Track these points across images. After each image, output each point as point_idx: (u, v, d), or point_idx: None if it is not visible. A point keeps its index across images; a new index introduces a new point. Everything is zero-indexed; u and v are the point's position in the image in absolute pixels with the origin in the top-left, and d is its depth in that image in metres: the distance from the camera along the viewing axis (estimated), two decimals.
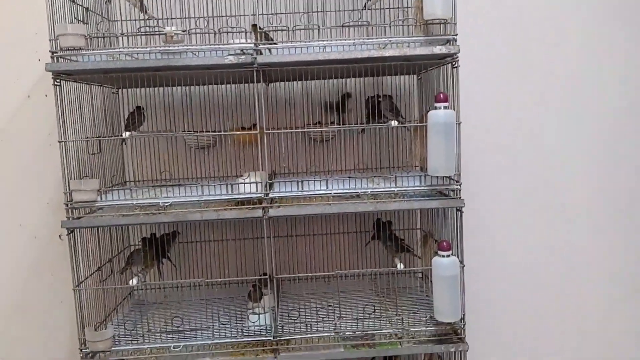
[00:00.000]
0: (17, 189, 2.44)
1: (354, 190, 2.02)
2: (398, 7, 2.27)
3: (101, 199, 1.98)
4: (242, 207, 1.96)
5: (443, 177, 1.97)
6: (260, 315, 2.04)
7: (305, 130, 2.33)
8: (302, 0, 2.26)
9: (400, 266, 2.08)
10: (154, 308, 2.34)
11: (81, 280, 1.98)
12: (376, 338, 2.01)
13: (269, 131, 2.01)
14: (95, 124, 2.17)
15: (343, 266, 2.48)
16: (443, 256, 1.92)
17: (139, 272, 2.10)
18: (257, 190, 1.97)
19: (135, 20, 2.24)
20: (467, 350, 1.97)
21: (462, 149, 1.93)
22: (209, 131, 2.30)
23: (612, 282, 2.63)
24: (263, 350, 1.97)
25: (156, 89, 2.34)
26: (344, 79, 2.41)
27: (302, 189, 2.03)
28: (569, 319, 2.64)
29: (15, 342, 2.47)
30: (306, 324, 2.04)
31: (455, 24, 1.92)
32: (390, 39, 1.95)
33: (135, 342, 2.00)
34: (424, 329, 2.03)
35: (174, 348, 1.97)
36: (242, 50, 1.93)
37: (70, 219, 1.94)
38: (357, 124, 2.40)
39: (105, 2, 2.26)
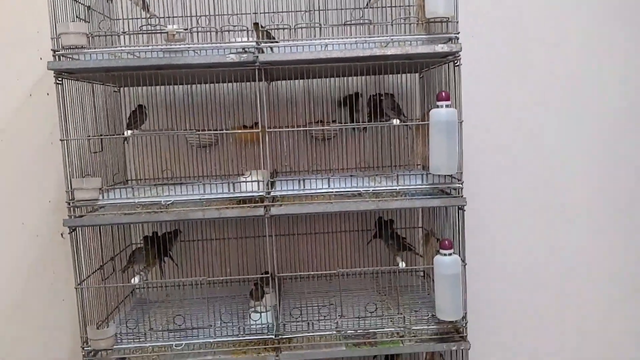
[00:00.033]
0: (18, 187, 2.44)
1: (355, 189, 2.02)
2: (400, 6, 2.28)
3: (103, 197, 1.98)
4: (244, 205, 1.96)
5: (445, 175, 1.97)
6: (262, 314, 2.04)
7: (307, 128, 2.33)
8: None
9: (402, 265, 2.08)
10: (155, 306, 2.34)
11: (83, 279, 1.99)
12: (378, 336, 2.01)
13: (271, 130, 2.01)
14: (97, 122, 2.17)
15: (344, 265, 2.48)
16: (445, 255, 1.92)
17: (141, 270, 2.10)
18: (258, 188, 1.97)
19: (137, 18, 2.24)
20: (469, 349, 1.98)
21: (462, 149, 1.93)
22: (210, 130, 2.30)
23: (612, 282, 2.63)
24: (265, 348, 1.97)
25: (158, 87, 2.35)
26: (345, 77, 2.40)
27: (304, 187, 2.03)
28: (569, 319, 2.64)
29: (17, 341, 2.48)
30: (308, 323, 2.04)
31: (457, 22, 1.92)
32: (392, 38, 1.95)
33: (137, 340, 2.00)
34: (426, 327, 2.03)
35: (175, 346, 1.97)
36: (244, 48, 1.93)
37: (72, 217, 1.94)
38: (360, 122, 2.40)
39: (107, 1, 2.26)
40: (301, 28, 2.05)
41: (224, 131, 2.24)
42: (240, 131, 2.25)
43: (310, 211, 1.95)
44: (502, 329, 2.62)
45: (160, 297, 2.44)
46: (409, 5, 2.26)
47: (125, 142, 2.38)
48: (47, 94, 2.39)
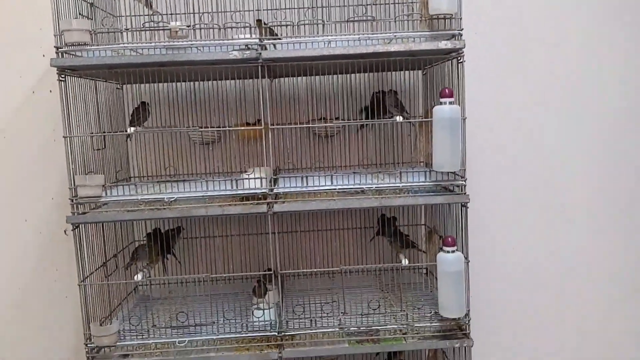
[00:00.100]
0: (21, 184, 2.44)
1: (358, 186, 2.02)
2: (403, 2, 2.27)
3: (106, 194, 1.98)
4: (247, 202, 1.96)
5: (448, 172, 1.97)
6: (265, 311, 2.05)
7: (310, 125, 2.33)
8: None
9: (405, 262, 2.08)
10: (158, 303, 2.34)
11: (86, 276, 1.99)
12: (381, 334, 2.01)
13: (274, 126, 2.00)
14: (99, 119, 2.17)
15: (347, 262, 2.49)
16: (448, 252, 1.91)
17: (144, 267, 2.10)
18: (261, 185, 1.97)
19: (139, 15, 2.24)
20: (471, 346, 1.97)
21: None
22: (213, 127, 2.30)
23: (612, 282, 2.62)
24: (268, 345, 1.97)
25: (161, 84, 2.34)
26: (348, 75, 2.40)
27: (307, 184, 2.03)
28: (569, 319, 2.63)
29: (20, 338, 2.48)
30: (311, 320, 2.04)
31: (461, 18, 1.91)
32: (395, 34, 1.95)
33: (140, 337, 2.01)
34: (429, 324, 2.03)
35: (178, 343, 1.98)
36: (246, 45, 1.92)
37: (76, 214, 1.94)
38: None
39: None
40: (304, 25, 2.04)
41: (227, 128, 2.24)
42: (243, 128, 2.25)
43: (313, 208, 1.94)
44: (502, 328, 2.61)
45: (163, 294, 2.44)
46: (412, 2, 2.25)
47: (128, 139, 2.38)
48: (50, 91, 2.39)
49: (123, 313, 2.19)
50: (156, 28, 2.01)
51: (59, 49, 1.90)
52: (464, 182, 1.96)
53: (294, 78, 2.41)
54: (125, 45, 1.94)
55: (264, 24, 2.02)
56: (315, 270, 2.41)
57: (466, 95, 1.96)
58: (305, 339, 1.99)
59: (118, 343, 1.98)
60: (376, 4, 2.26)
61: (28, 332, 2.49)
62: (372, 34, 1.96)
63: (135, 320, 2.08)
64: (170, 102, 2.38)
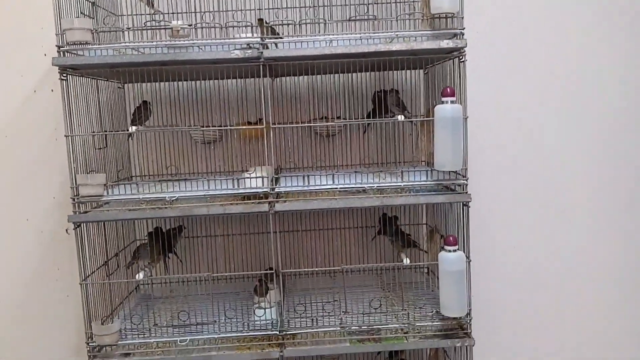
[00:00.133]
0: (23, 183, 2.44)
1: (360, 185, 2.02)
2: (405, 1, 2.27)
3: (108, 193, 1.98)
4: (248, 201, 1.96)
5: (449, 171, 1.97)
6: (266, 310, 2.05)
7: (312, 124, 2.33)
8: None
9: (406, 261, 2.08)
10: (160, 302, 2.34)
11: (88, 275, 1.99)
12: (382, 333, 2.01)
13: (275, 126, 2.01)
14: (101, 118, 2.17)
15: (348, 261, 2.48)
16: (449, 251, 1.91)
17: (145, 266, 2.10)
18: (263, 184, 1.97)
19: (141, 14, 2.24)
20: (473, 345, 1.97)
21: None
22: (214, 126, 2.30)
23: (612, 282, 2.62)
24: (269, 344, 1.97)
25: (162, 83, 2.34)
26: (350, 74, 2.40)
27: (308, 183, 2.03)
28: (569, 319, 2.63)
29: (21, 336, 2.49)
30: (312, 319, 2.04)
31: (463, 17, 1.91)
32: (397, 33, 1.95)
33: (142, 336, 2.01)
34: (430, 324, 2.03)
35: (180, 342, 1.98)
36: (248, 44, 1.92)
37: (77, 213, 1.94)
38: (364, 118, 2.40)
39: None
40: (306, 24, 2.04)
41: (228, 127, 2.24)
42: (244, 127, 2.25)
43: (314, 207, 1.94)
44: (502, 328, 2.61)
45: (165, 293, 2.44)
46: (413, 1, 2.25)
47: (130, 138, 2.38)
48: (52, 91, 2.39)
49: (124, 312, 2.20)
50: (158, 27, 2.01)
51: (61, 48, 1.90)
52: (465, 182, 1.96)
53: (296, 77, 2.41)
54: (127, 44, 1.94)
55: (266, 23, 2.02)
56: (316, 269, 2.41)
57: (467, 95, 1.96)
58: (307, 338, 1.99)
59: (119, 342, 1.98)
60: (378, 3, 2.26)
61: (29, 331, 2.49)
62: (374, 33, 1.96)
63: (136, 319, 2.08)
64: (171, 101, 2.38)
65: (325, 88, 2.41)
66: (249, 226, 2.47)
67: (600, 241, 2.60)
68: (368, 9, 2.14)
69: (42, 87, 2.41)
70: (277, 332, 1.99)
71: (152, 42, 1.95)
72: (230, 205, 1.93)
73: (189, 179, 2.20)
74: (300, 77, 2.40)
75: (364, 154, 2.46)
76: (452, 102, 1.87)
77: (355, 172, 2.17)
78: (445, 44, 1.89)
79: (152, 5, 2.17)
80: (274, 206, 1.92)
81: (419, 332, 2.01)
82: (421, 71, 2.42)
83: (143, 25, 2.04)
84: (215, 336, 2.00)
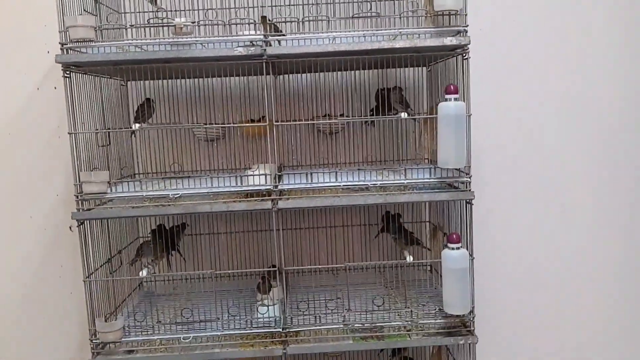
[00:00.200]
0: (26, 181, 2.45)
1: (363, 183, 2.01)
2: None
3: (111, 190, 1.98)
4: (252, 199, 1.96)
5: (453, 169, 1.96)
6: (269, 307, 2.05)
7: (315, 122, 2.33)
8: None
9: (409, 259, 2.08)
10: (163, 299, 2.35)
11: (91, 272, 1.99)
12: (385, 330, 2.01)
13: (278, 123, 2.00)
14: (104, 116, 2.17)
15: (351, 259, 2.49)
16: (453, 249, 1.91)
17: (149, 263, 2.11)
18: (266, 182, 1.97)
19: (144, 12, 2.24)
20: (476, 343, 1.97)
21: None
22: (217, 123, 2.30)
23: (612, 282, 2.61)
24: (272, 342, 1.97)
25: (165, 81, 2.34)
26: (353, 71, 2.40)
27: (311, 181, 2.03)
28: (569, 319, 2.62)
29: (25, 334, 2.49)
30: (315, 316, 2.04)
31: (466, 15, 1.91)
32: (400, 30, 1.94)
33: (145, 333, 2.01)
34: (433, 321, 2.03)
35: (183, 339, 1.98)
36: (251, 41, 1.92)
37: (81, 210, 1.95)
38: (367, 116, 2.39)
39: None
40: (309, 21, 2.04)
41: (231, 125, 2.24)
42: (247, 125, 2.25)
43: (317, 205, 1.94)
44: (502, 328, 2.60)
45: (168, 290, 2.45)
46: None
47: (133, 135, 2.39)
48: (55, 88, 2.40)
49: (128, 309, 2.20)
50: (161, 24, 2.01)
51: (64, 46, 1.90)
52: (468, 179, 1.95)
53: (298, 75, 2.40)
54: (130, 41, 1.94)
55: (269, 20, 2.02)
56: (319, 266, 2.41)
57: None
58: (310, 335, 2.00)
59: (123, 339, 1.98)
60: (381, 0, 2.25)
61: (33, 328, 2.50)
62: (377, 30, 1.96)
63: (140, 316, 2.09)
64: (174, 98, 2.38)
65: (328, 85, 2.40)
66: (252, 224, 2.47)
67: (600, 240, 2.60)
68: (371, 6, 2.14)
69: (45, 85, 2.41)
70: (280, 330, 1.99)
71: (155, 39, 1.95)
72: (234, 202, 1.93)
73: (192, 176, 2.20)
74: (303, 75, 2.40)
75: (367, 151, 2.46)
76: (455, 99, 1.86)
77: (358, 169, 2.17)
78: (449, 41, 1.89)
79: (155, 2, 2.17)
80: (277, 204, 1.92)
81: (422, 330, 2.01)
82: (424, 68, 2.42)
83: (146, 22, 2.04)
84: (219, 333, 2.00)
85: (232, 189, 1.99)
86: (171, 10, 2.22)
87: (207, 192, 1.99)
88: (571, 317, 2.62)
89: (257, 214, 2.44)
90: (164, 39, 1.95)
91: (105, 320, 1.98)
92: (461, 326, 2.02)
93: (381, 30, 1.96)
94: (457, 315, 1.99)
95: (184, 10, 2.23)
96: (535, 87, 2.50)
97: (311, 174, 2.05)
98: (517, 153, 2.53)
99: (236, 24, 2.01)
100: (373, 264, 2.44)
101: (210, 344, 1.97)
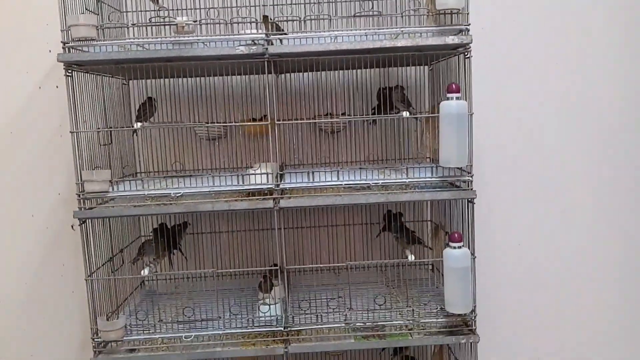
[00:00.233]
0: (28, 180, 2.45)
1: (364, 182, 2.01)
2: None
3: (113, 189, 1.98)
4: (253, 198, 1.96)
5: (454, 168, 1.96)
6: (271, 306, 2.05)
7: (317, 121, 2.33)
8: None
9: (411, 258, 2.08)
10: (165, 298, 2.35)
11: (93, 271, 2.00)
12: (386, 329, 2.01)
13: (280, 122, 2.00)
14: (106, 115, 2.17)
15: (353, 258, 2.48)
16: (454, 247, 1.91)
17: (150, 262, 2.11)
18: (267, 181, 1.97)
19: (146, 10, 2.24)
20: (477, 342, 1.97)
21: None
22: (219, 122, 2.30)
23: (612, 282, 2.61)
24: (274, 340, 1.97)
25: (167, 80, 2.35)
26: (355, 70, 2.40)
27: (313, 180, 2.03)
28: (569, 319, 2.62)
29: (27, 332, 2.50)
30: (316, 315, 2.04)
31: (468, 13, 1.90)
32: (402, 29, 1.94)
33: (147, 331, 2.01)
34: (435, 320, 2.03)
35: (185, 338, 1.98)
36: (253, 40, 1.92)
37: (82, 209, 1.95)
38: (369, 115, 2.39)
39: None
40: (310, 20, 2.04)
41: (233, 124, 2.24)
42: (249, 124, 2.25)
43: (319, 204, 1.94)
44: (502, 328, 2.60)
45: (170, 289, 2.45)
46: None
47: (135, 134, 2.39)
48: (57, 87, 2.40)
49: (129, 308, 2.20)
50: (162, 23, 2.01)
51: (66, 44, 1.90)
52: (470, 178, 1.95)
53: (300, 74, 2.40)
54: (132, 40, 1.94)
55: (270, 19, 2.02)
56: (321, 265, 2.41)
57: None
58: (311, 334, 2.00)
59: (125, 338, 1.98)
60: None
61: (35, 327, 2.50)
62: (379, 29, 1.96)
63: (141, 315, 2.09)
64: (176, 97, 2.38)
65: (329, 84, 2.40)
66: (254, 222, 2.47)
67: (600, 239, 2.59)
68: (373, 5, 2.14)
69: (47, 84, 2.42)
70: (282, 329, 1.99)
71: (157, 38, 1.95)
72: (235, 201, 1.93)
73: (193, 175, 2.21)
74: (305, 74, 2.40)
75: (369, 150, 2.46)
76: (457, 98, 1.86)
77: (360, 168, 2.17)
78: (451, 40, 1.88)
79: (157, 1, 2.17)
80: (279, 202, 1.92)
81: (423, 329, 2.01)
82: (426, 67, 2.42)
83: (148, 21, 2.04)
84: (220, 332, 2.00)
85: (234, 188, 1.99)
86: (173, 9, 2.22)
87: (209, 191, 1.99)
88: (572, 316, 2.62)
89: (259, 213, 2.44)
90: (165, 37, 1.95)
91: (107, 319, 1.98)
92: (463, 325, 2.02)
93: (383, 29, 1.96)
94: (458, 314, 1.99)
95: (186, 9, 2.23)
96: (535, 86, 2.50)
97: (313, 172, 2.05)
98: (517, 153, 2.53)
99: (238, 23, 2.01)
100: (375, 263, 2.44)
101: (211, 343, 1.98)
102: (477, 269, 2.02)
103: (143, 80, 2.35)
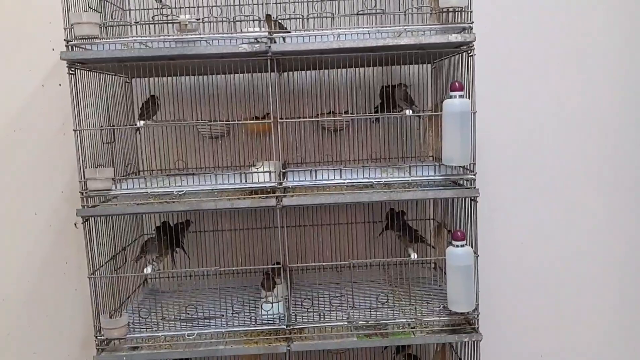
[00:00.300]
0: (31, 178, 2.45)
1: (367, 180, 2.01)
2: None
3: (116, 187, 1.99)
4: (256, 196, 1.96)
5: (457, 166, 1.96)
6: (274, 304, 2.05)
7: (319, 119, 2.32)
8: None
9: (414, 256, 2.08)
10: (167, 296, 2.35)
11: (96, 268, 2.00)
12: (389, 328, 2.01)
13: (282, 120, 2.00)
14: (109, 113, 2.17)
15: (355, 256, 2.48)
16: (457, 246, 1.91)
17: (153, 260, 2.11)
18: (270, 179, 1.97)
19: (149, 9, 2.24)
20: (480, 341, 1.97)
21: None
22: (222, 120, 2.30)
23: (612, 282, 2.61)
24: (276, 339, 1.97)
25: (170, 78, 2.35)
26: (357, 68, 2.39)
27: (316, 178, 2.03)
28: (569, 319, 2.62)
29: (30, 330, 2.50)
30: (319, 313, 2.04)
31: (471, 11, 1.90)
32: (405, 27, 1.94)
33: (150, 329, 2.02)
34: (437, 319, 2.02)
35: (187, 336, 1.99)
36: (256, 38, 1.92)
37: (85, 207, 1.95)
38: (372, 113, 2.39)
39: None
40: (313, 18, 2.04)
41: (236, 122, 2.23)
42: (251, 122, 2.25)
43: (322, 202, 1.94)
44: (504, 327, 2.60)
45: (172, 287, 2.45)
46: None
47: (138, 132, 2.39)
48: (60, 85, 2.40)
49: (132, 306, 2.20)
50: (165, 21, 2.01)
51: (69, 42, 1.90)
52: (473, 176, 1.95)
53: (303, 72, 2.40)
54: (135, 38, 1.94)
55: (273, 17, 2.02)
56: (323, 264, 2.40)
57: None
58: (314, 332, 2.00)
59: (127, 335, 1.99)
60: None
61: (38, 325, 2.51)
62: (382, 27, 1.95)
63: (144, 313, 2.09)
64: (179, 95, 2.39)
65: (332, 83, 2.40)
66: (256, 221, 2.47)
67: (603, 238, 2.59)
68: (376, 3, 2.13)
69: (50, 82, 2.42)
70: (285, 327, 2.00)
71: (160, 36, 1.95)
72: (238, 199, 1.93)
73: (196, 173, 2.21)
74: (308, 72, 2.40)
75: (372, 148, 2.46)
76: (460, 96, 1.86)
77: (363, 166, 2.17)
78: (454, 38, 1.88)
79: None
80: (282, 201, 1.92)
81: (426, 327, 2.01)
82: (429, 65, 2.41)
83: (151, 19, 2.04)
84: (223, 330, 2.00)
85: (237, 186, 2.00)
86: (176, 8, 2.21)
87: (212, 189, 1.99)
88: (574, 314, 2.61)
89: (262, 211, 2.44)
90: (168, 36, 1.95)
91: (110, 317, 1.99)
92: (465, 324, 2.02)
93: (386, 27, 1.95)
94: (461, 313, 1.99)
95: (189, 7, 2.23)
96: (536, 86, 2.50)
97: (315, 171, 2.05)
98: (519, 152, 2.53)
99: (241, 21, 2.01)
100: (377, 262, 2.45)
101: (214, 341, 1.98)
102: (481, 266, 2.02)
103: (146, 79, 2.35)
